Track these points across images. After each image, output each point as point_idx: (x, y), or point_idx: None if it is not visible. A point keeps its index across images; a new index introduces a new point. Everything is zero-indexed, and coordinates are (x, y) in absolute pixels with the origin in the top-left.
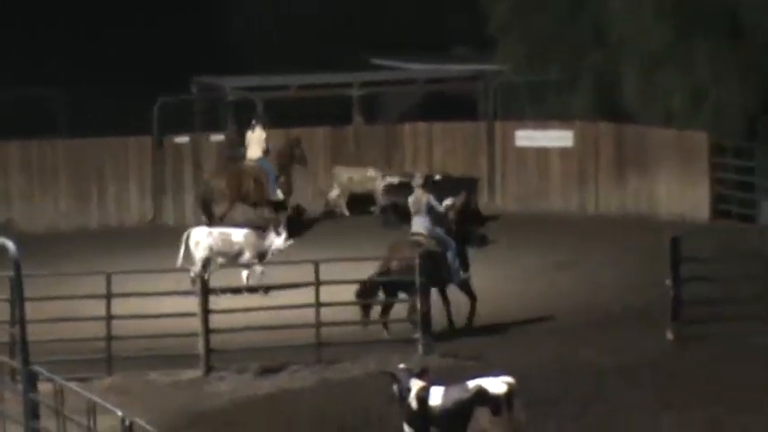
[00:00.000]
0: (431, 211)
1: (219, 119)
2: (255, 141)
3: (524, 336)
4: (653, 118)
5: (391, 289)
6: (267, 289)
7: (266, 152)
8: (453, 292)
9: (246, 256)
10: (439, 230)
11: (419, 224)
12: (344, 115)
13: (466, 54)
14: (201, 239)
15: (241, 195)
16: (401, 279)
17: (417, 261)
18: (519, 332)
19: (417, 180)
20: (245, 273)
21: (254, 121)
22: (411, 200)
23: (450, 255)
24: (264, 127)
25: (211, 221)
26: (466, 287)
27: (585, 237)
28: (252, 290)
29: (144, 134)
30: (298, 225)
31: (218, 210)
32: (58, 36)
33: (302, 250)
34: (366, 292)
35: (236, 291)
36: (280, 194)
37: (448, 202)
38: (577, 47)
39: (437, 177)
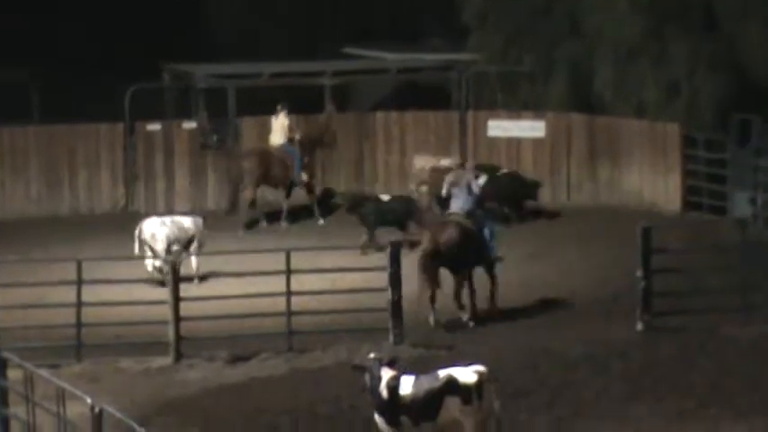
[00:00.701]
0: (470, 191)
1: (191, 106)
2: (279, 128)
3: (495, 326)
4: (626, 109)
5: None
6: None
7: (291, 140)
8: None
9: (195, 244)
10: (477, 210)
11: (457, 204)
12: (317, 104)
13: (439, 44)
14: (157, 231)
15: (268, 177)
16: (448, 256)
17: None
18: (489, 322)
19: (470, 163)
20: (194, 261)
21: (278, 107)
22: (450, 179)
23: (486, 233)
24: (288, 113)
25: (233, 209)
26: (491, 267)
27: (557, 227)
28: (199, 279)
29: (116, 121)
30: (327, 207)
31: (246, 193)
32: (31, 19)
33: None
34: (427, 266)
35: (205, 278)
36: (304, 177)
37: (481, 181)
38: (552, 38)
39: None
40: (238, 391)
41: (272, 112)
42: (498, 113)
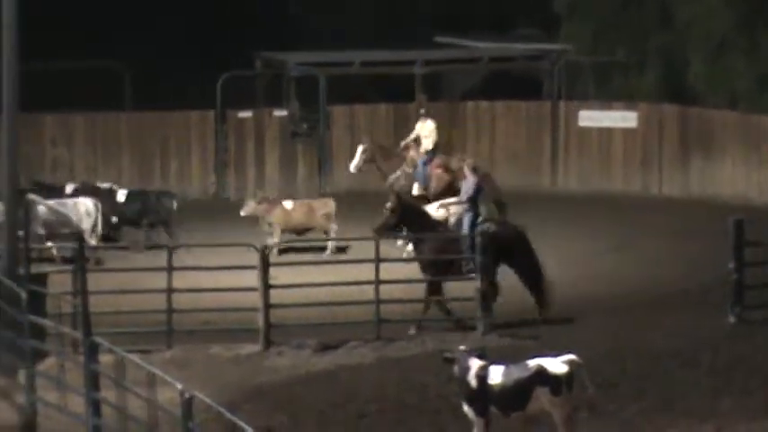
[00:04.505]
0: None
1: (282, 94)
2: (428, 133)
3: (583, 317)
4: (718, 101)
5: None
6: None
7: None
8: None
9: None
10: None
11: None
12: (407, 93)
13: (531, 33)
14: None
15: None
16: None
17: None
18: (578, 313)
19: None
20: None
21: (422, 111)
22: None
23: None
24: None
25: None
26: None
27: (647, 218)
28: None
29: (207, 108)
30: None
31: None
32: (126, 8)
33: None
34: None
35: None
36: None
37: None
38: (643, 28)
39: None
40: (326, 378)
41: (363, 100)
42: (590, 103)
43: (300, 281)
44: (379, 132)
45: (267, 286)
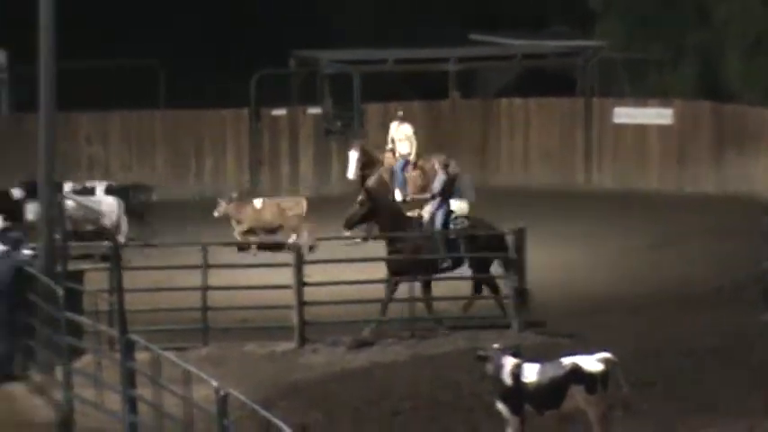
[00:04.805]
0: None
1: (316, 92)
2: (401, 137)
3: (618, 315)
4: (754, 98)
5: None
6: None
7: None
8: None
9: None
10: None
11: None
12: (441, 90)
13: (564, 30)
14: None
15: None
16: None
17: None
18: (613, 311)
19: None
20: None
21: (399, 114)
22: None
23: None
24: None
25: None
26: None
27: (682, 216)
28: None
29: (241, 106)
30: None
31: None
32: (160, 7)
33: None
34: None
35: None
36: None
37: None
38: (679, 26)
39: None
40: (361, 376)
41: (397, 98)
42: (624, 100)
43: (334, 278)
44: (414, 129)
45: (301, 284)
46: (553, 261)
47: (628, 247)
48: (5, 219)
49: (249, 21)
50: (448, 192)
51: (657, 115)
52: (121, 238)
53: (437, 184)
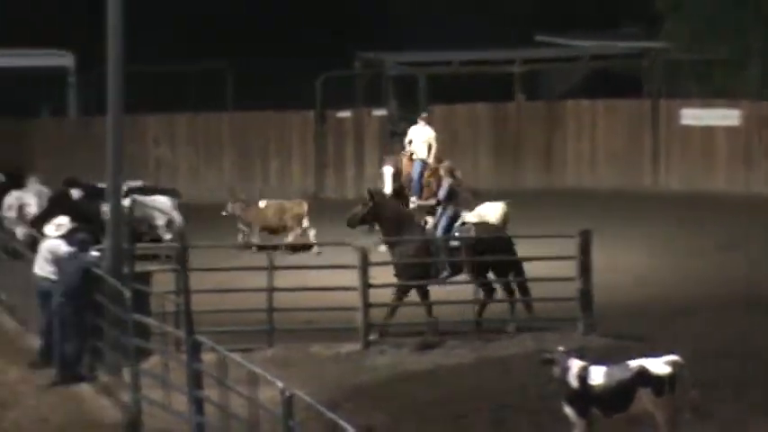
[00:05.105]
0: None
1: (382, 94)
2: (423, 139)
3: (685, 317)
4: None
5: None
6: None
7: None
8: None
9: None
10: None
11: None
12: (506, 92)
13: (631, 31)
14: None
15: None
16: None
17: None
18: (680, 314)
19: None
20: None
21: (423, 115)
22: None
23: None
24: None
25: None
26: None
27: (750, 217)
28: None
29: (307, 109)
30: None
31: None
32: (227, 10)
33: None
34: None
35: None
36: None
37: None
38: (746, 27)
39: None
40: (426, 378)
41: (462, 99)
42: (691, 102)
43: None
44: (478, 131)
45: (367, 285)
46: (619, 263)
47: (694, 248)
48: (72, 220)
49: (315, 22)
50: (454, 198)
51: (724, 116)
52: (167, 237)
53: (442, 191)
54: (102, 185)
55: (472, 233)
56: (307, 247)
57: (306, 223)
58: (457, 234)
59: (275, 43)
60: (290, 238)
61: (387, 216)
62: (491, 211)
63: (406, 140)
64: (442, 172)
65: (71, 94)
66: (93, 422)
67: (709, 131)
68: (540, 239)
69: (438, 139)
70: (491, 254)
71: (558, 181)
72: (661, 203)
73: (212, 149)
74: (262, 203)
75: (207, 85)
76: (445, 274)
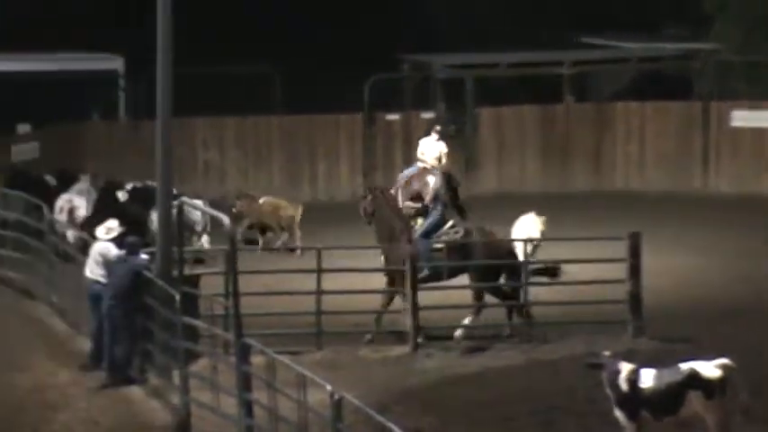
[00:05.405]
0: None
1: (429, 96)
2: (436, 154)
3: (735, 319)
4: None
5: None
6: None
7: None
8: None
9: None
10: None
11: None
12: (554, 94)
13: (680, 33)
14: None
15: None
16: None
17: None
18: (729, 315)
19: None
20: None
21: (437, 128)
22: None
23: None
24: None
25: None
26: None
27: None
28: None
29: (355, 111)
30: None
31: None
32: (275, 14)
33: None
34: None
35: None
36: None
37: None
38: None
39: None
40: (475, 380)
41: (510, 101)
42: (742, 103)
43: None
44: (527, 134)
45: (415, 288)
46: (668, 265)
47: (743, 250)
48: (121, 224)
49: (363, 25)
50: (440, 202)
51: None
52: (204, 241)
53: (429, 195)
54: (134, 185)
55: (459, 236)
56: (291, 249)
57: (296, 227)
58: (444, 237)
59: (324, 46)
60: (279, 242)
61: (381, 222)
62: (530, 225)
63: (419, 152)
64: (428, 177)
65: (121, 97)
66: (142, 425)
67: (759, 133)
68: (590, 242)
69: (448, 155)
70: (487, 258)
71: (607, 183)
72: (710, 206)
73: (261, 152)
74: (261, 199)
75: (255, 88)
76: (423, 275)
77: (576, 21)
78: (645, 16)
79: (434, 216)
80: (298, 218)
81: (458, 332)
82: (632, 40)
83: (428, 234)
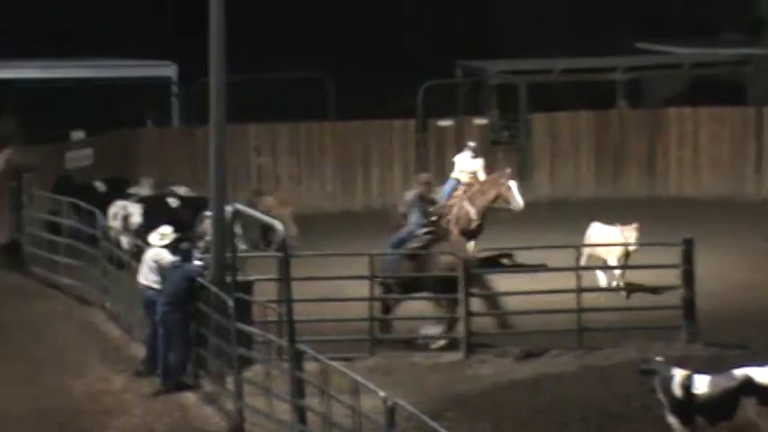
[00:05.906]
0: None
1: (483, 102)
2: (471, 169)
3: None
4: None
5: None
6: None
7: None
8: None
9: None
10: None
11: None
12: (608, 100)
13: (733, 38)
14: None
15: None
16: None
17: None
18: None
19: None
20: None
21: (471, 145)
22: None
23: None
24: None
25: None
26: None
27: None
28: None
29: (408, 117)
30: None
31: None
32: (330, 19)
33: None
34: None
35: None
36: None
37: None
38: None
39: None
40: (528, 387)
41: (564, 107)
42: None
43: (502, 289)
44: (580, 139)
45: (469, 294)
46: (721, 271)
47: None
48: (175, 230)
49: (416, 31)
50: (422, 210)
51: None
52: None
53: (404, 204)
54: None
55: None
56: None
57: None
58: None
59: (377, 52)
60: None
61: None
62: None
63: (456, 169)
64: (414, 190)
65: (174, 104)
66: (197, 430)
67: None
68: (644, 248)
69: (485, 169)
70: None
71: (661, 189)
72: (764, 211)
73: (314, 158)
74: (269, 198)
75: (309, 94)
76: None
77: (632, 26)
78: (701, 21)
79: (408, 227)
80: (289, 217)
81: (423, 332)
82: (686, 46)
83: (399, 244)
